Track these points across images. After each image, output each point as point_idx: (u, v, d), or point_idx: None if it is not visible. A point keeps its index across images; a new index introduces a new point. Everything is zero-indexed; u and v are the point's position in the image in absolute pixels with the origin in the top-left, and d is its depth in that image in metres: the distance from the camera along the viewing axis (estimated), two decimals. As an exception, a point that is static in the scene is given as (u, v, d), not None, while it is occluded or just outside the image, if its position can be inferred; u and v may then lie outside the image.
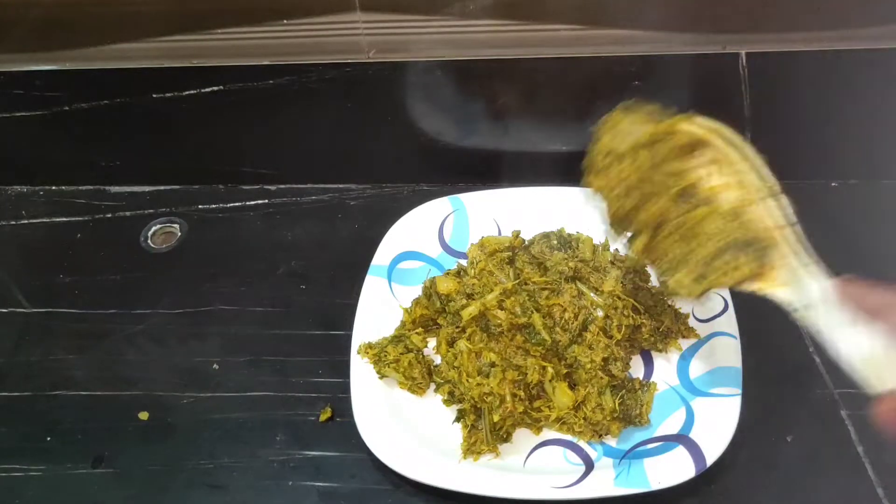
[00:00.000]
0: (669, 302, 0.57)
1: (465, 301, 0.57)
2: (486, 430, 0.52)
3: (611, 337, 0.53)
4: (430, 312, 0.59)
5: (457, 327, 0.56)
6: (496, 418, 0.51)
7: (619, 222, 0.47)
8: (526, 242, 0.61)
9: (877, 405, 0.32)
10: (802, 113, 0.66)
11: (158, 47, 0.68)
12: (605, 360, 0.53)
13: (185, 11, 0.65)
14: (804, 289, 0.40)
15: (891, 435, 0.32)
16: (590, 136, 0.69)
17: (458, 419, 0.54)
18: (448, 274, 0.61)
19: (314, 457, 0.56)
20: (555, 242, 0.60)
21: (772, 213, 0.42)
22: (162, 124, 0.72)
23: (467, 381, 0.53)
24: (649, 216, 0.45)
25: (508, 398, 0.51)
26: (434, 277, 0.60)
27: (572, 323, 0.54)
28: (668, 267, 0.45)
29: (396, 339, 0.58)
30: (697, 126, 0.43)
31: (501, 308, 0.55)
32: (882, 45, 0.62)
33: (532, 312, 0.54)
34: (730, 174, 0.43)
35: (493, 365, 0.53)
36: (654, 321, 0.56)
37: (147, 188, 0.77)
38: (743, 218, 0.42)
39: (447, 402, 0.56)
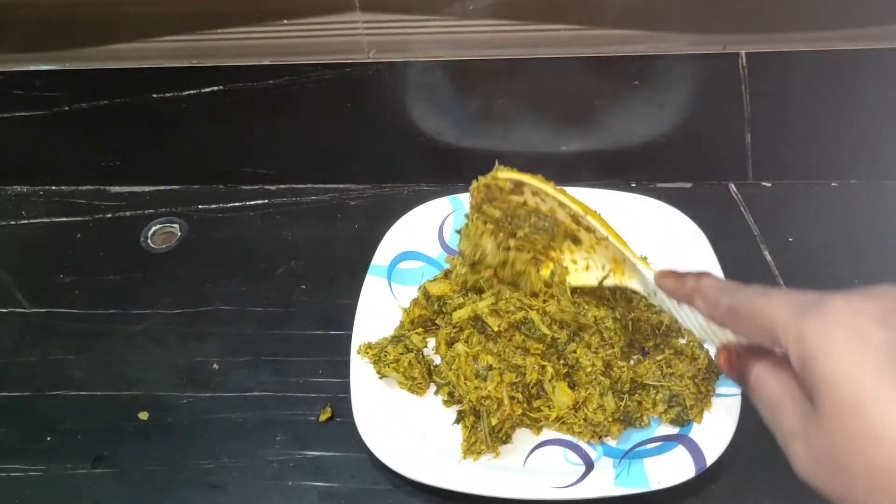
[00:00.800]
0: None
1: (461, 300, 0.57)
2: (485, 432, 0.52)
3: (606, 339, 0.54)
4: (429, 313, 0.59)
5: (454, 327, 0.56)
6: (494, 421, 0.51)
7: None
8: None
9: (716, 356, 0.41)
10: (802, 113, 0.66)
11: (158, 47, 0.68)
12: (606, 364, 0.53)
13: (185, 11, 0.65)
14: (645, 281, 0.48)
15: (729, 376, 0.40)
16: (589, 137, 0.70)
17: (457, 421, 0.54)
18: (439, 277, 0.60)
19: (314, 457, 0.56)
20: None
21: (594, 226, 0.51)
22: (162, 124, 0.72)
23: (465, 384, 0.53)
24: (523, 242, 0.54)
25: (506, 401, 0.51)
26: (425, 282, 0.60)
27: (569, 320, 0.54)
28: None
29: (396, 339, 0.58)
30: (508, 174, 0.52)
31: (495, 313, 0.55)
32: (882, 45, 0.62)
33: (528, 309, 0.54)
34: (550, 200, 0.52)
35: (490, 368, 0.52)
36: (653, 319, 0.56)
37: (147, 188, 0.77)
38: (583, 225, 0.52)
39: (447, 403, 0.56)
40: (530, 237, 0.54)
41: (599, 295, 0.55)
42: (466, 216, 0.56)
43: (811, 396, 0.32)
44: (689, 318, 0.43)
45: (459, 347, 0.54)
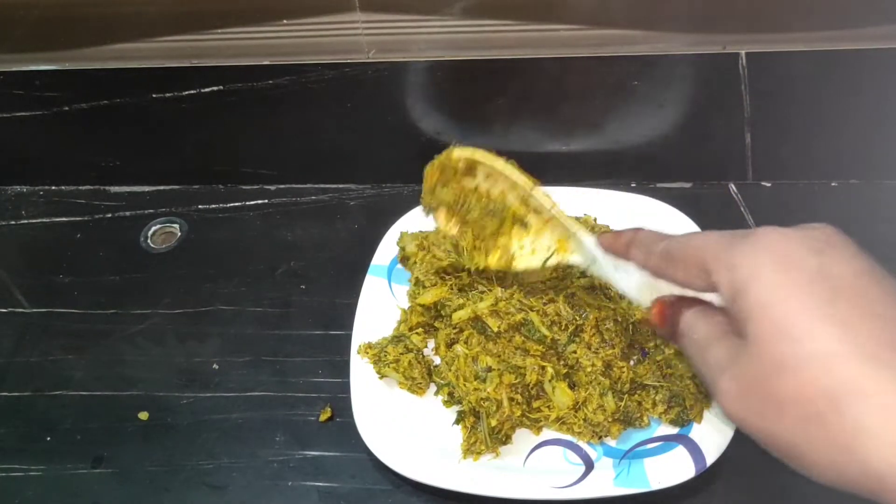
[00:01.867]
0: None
1: (460, 301, 0.57)
2: (484, 433, 0.52)
3: (606, 340, 0.54)
4: (427, 318, 0.59)
5: (454, 328, 0.56)
6: (493, 423, 0.51)
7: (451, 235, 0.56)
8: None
9: (649, 314, 0.40)
10: (802, 113, 0.66)
11: (158, 47, 0.68)
12: (606, 364, 0.53)
13: (185, 11, 0.65)
14: (585, 249, 0.48)
15: (660, 331, 0.39)
16: (589, 137, 0.70)
17: (457, 421, 0.54)
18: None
19: (314, 457, 0.56)
20: None
21: (541, 200, 0.51)
22: (162, 124, 0.72)
23: (464, 385, 0.53)
24: (471, 224, 0.55)
25: (506, 403, 0.51)
26: (418, 298, 0.58)
27: (570, 323, 0.54)
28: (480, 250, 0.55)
29: (396, 339, 0.58)
30: (462, 152, 0.53)
31: (495, 314, 0.55)
32: (882, 45, 0.62)
33: (528, 311, 0.54)
34: (502, 182, 0.53)
35: (489, 369, 0.52)
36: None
37: (147, 188, 0.77)
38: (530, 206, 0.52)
39: (447, 403, 0.56)
40: (480, 221, 0.53)
41: (545, 279, 0.56)
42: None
43: (741, 327, 0.31)
44: (626, 280, 0.44)
45: (459, 349, 0.54)
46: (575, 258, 0.50)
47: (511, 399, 0.51)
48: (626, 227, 0.43)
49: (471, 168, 0.53)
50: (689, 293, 0.37)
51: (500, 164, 0.52)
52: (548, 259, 0.52)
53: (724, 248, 0.33)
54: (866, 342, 0.28)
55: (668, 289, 0.39)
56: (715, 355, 0.33)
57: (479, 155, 0.52)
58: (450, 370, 0.54)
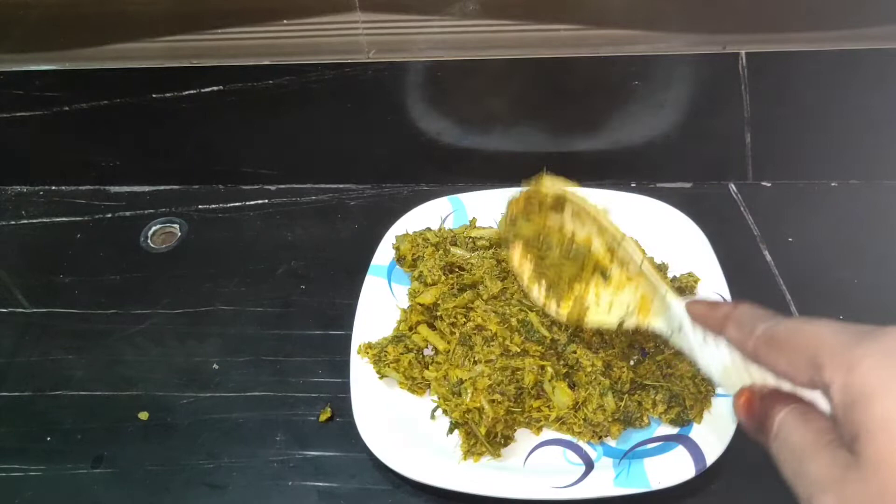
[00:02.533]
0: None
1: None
2: (481, 440, 0.52)
3: (606, 340, 0.54)
4: (426, 318, 0.59)
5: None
6: (483, 430, 0.51)
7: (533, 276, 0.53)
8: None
9: (734, 401, 0.35)
10: (802, 113, 0.66)
11: (158, 47, 0.68)
12: (606, 364, 0.53)
13: (185, 11, 0.65)
14: (671, 314, 0.43)
15: (745, 424, 0.34)
16: (589, 137, 0.70)
17: (450, 431, 0.54)
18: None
19: (314, 457, 0.56)
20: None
21: (631, 252, 0.47)
22: (162, 124, 0.72)
23: (445, 404, 0.53)
24: (548, 266, 0.52)
25: (487, 407, 0.51)
26: (417, 297, 0.58)
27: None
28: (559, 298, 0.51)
29: (396, 339, 0.58)
30: (553, 186, 0.50)
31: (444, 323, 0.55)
32: (882, 45, 0.62)
33: (528, 311, 0.54)
34: (590, 224, 0.49)
35: (461, 382, 0.52)
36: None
37: (147, 188, 0.77)
38: (616, 257, 0.49)
39: (446, 413, 0.55)
40: (558, 264, 0.50)
41: (615, 335, 0.53)
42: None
43: (853, 440, 0.27)
44: (713, 357, 0.39)
45: (428, 374, 0.54)
46: (657, 323, 0.45)
47: (492, 401, 0.51)
48: (725, 300, 0.38)
49: (559, 204, 0.49)
50: (787, 387, 0.33)
51: (592, 206, 0.48)
52: (625, 319, 0.47)
53: (845, 344, 0.28)
54: None
55: (761, 376, 0.34)
56: (816, 469, 0.29)
57: (571, 193, 0.48)
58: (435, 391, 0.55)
